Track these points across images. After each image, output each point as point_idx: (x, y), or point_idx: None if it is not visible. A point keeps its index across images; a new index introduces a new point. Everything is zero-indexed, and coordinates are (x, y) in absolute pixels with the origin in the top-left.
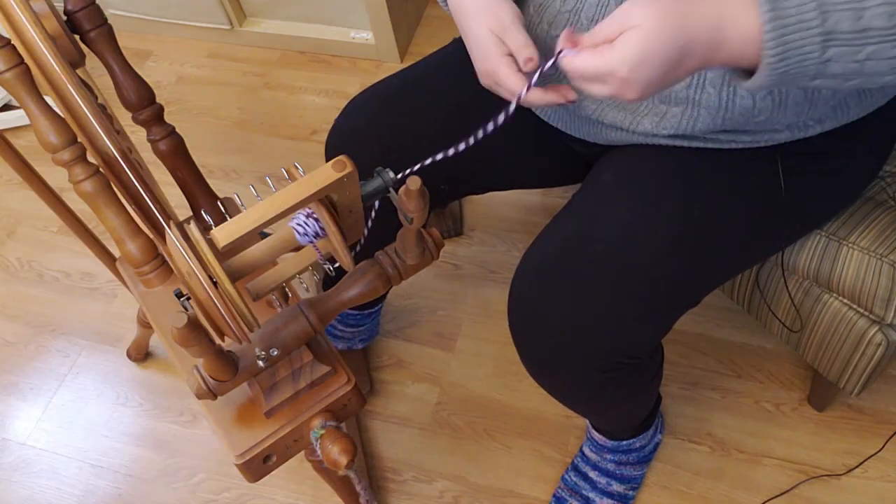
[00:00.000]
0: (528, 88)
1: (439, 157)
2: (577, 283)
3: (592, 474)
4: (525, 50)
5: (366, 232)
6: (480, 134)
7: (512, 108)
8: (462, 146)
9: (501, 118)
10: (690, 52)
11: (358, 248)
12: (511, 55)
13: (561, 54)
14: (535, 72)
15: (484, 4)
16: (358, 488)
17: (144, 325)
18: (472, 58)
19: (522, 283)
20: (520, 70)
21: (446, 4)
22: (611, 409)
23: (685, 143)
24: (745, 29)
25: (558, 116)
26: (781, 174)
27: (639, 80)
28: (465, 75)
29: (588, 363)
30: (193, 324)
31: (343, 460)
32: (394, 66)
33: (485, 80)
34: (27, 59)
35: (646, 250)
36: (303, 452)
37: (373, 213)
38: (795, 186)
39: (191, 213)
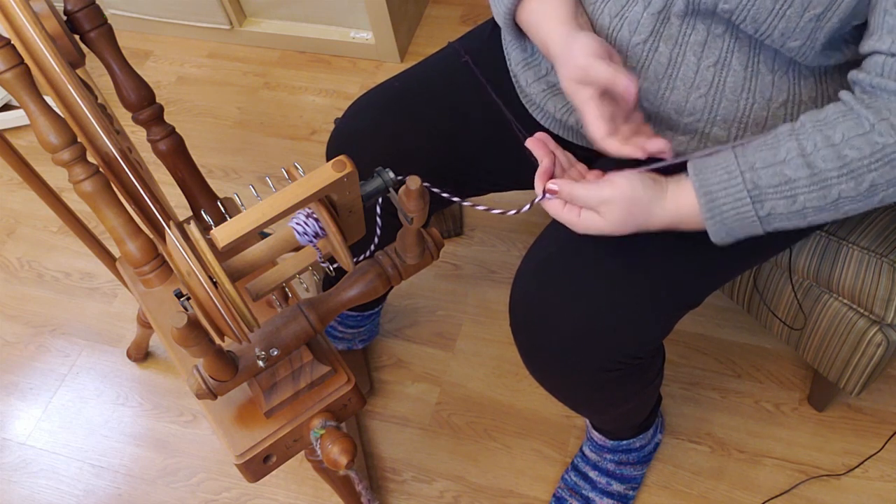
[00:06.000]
0: (532, 203)
1: (456, 200)
2: (579, 283)
3: (592, 474)
4: (616, 81)
5: (378, 232)
6: (512, 212)
7: (526, 207)
8: (467, 203)
9: (527, 207)
10: (648, 230)
11: (373, 247)
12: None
13: (546, 197)
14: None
15: (560, 52)
16: (358, 488)
17: (144, 325)
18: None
19: (524, 284)
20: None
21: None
22: (612, 409)
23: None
24: (696, 225)
25: (562, 128)
26: None
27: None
28: (464, 78)
29: (590, 364)
30: (193, 324)
31: (343, 460)
32: (394, 65)
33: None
34: (27, 59)
35: (647, 250)
36: (303, 452)
37: (378, 211)
38: None
39: (191, 213)
